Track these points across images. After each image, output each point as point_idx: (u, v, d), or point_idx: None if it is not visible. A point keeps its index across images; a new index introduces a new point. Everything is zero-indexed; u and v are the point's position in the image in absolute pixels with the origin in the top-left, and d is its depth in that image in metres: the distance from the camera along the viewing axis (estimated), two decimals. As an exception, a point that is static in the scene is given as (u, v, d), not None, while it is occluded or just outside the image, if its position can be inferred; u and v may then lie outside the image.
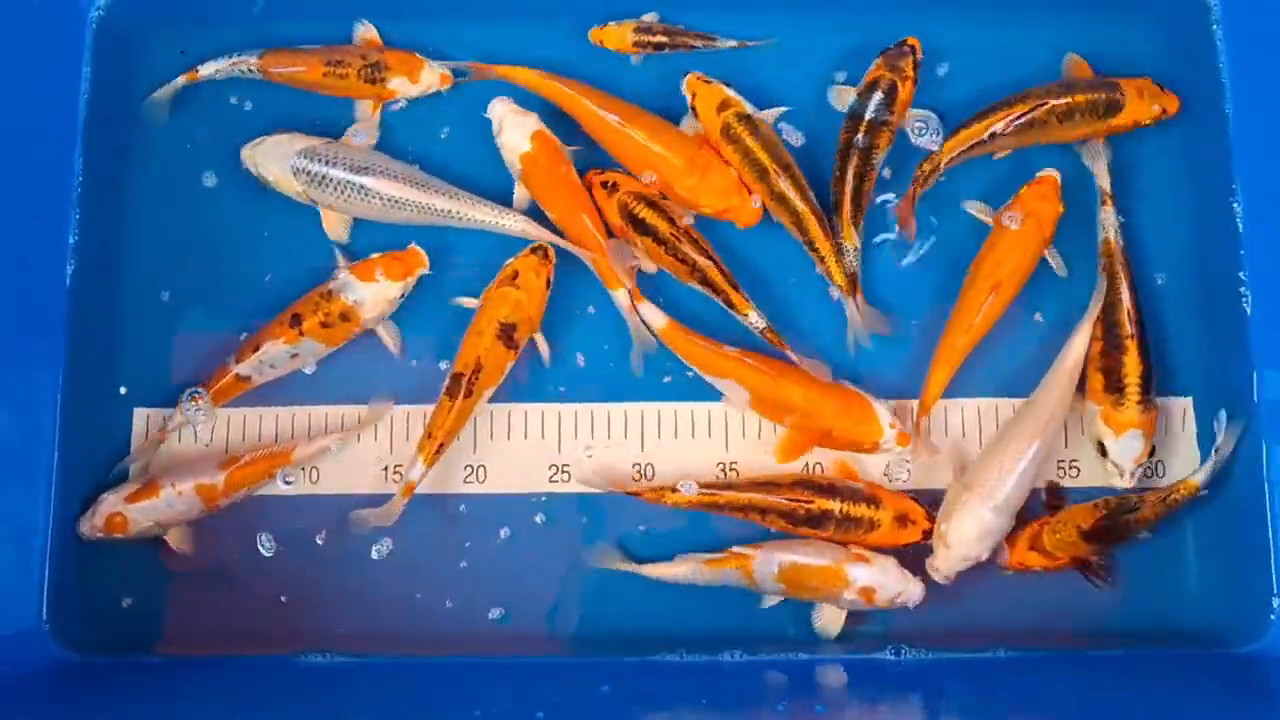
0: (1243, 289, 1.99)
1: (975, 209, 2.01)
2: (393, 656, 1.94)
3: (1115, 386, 1.91)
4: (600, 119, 1.99)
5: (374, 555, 1.96)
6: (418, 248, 1.99)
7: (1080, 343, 1.94)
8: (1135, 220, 2.02)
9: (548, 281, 1.96)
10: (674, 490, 1.91)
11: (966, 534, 1.86)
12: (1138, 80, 2.00)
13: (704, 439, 1.99)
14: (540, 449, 1.99)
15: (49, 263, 2.03)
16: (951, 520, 1.87)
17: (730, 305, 1.95)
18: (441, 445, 1.91)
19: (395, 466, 1.99)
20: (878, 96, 1.98)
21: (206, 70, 2.06)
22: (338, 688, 1.90)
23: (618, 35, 2.05)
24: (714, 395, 1.98)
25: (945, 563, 1.88)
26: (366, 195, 1.98)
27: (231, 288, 2.04)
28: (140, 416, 2.01)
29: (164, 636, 1.96)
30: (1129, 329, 1.92)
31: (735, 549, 1.89)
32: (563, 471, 1.99)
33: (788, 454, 1.95)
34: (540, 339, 1.98)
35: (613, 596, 1.95)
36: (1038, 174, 2.01)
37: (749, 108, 2.00)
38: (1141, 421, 1.90)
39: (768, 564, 1.87)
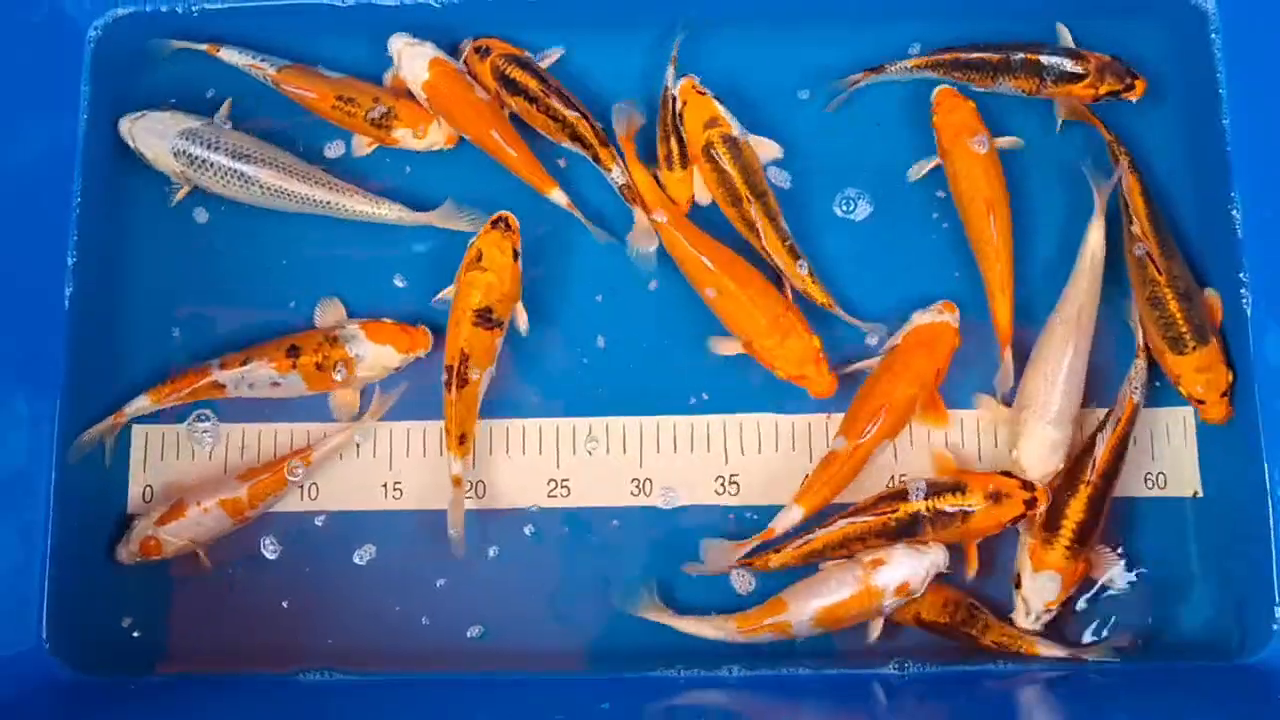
0: (1243, 291, 1.97)
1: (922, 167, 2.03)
2: (397, 674, 1.93)
3: (1052, 524, 1.87)
4: (695, 260, 1.97)
5: (356, 560, 1.96)
6: (427, 330, 1.98)
7: (1095, 236, 1.94)
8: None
9: (515, 253, 1.96)
10: (776, 552, 1.89)
11: (1036, 454, 1.89)
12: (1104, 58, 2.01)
13: (702, 452, 1.99)
14: (539, 463, 1.99)
15: (47, 284, 2.03)
16: (1019, 446, 1.90)
17: (597, 160, 1.98)
18: (463, 436, 1.93)
19: (395, 484, 1.99)
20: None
21: (227, 54, 2.08)
22: (338, 706, 1.90)
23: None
24: (711, 409, 1.98)
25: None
26: (247, 183, 1.99)
27: (231, 307, 2.04)
28: (139, 435, 2.01)
29: (163, 656, 1.96)
30: (1090, 475, 1.88)
31: (768, 619, 1.86)
32: (562, 486, 1.98)
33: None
34: (519, 310, 1.98)
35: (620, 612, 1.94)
36: (934, 93, 2.02)
37: (736, 129, 2.00)
38: (1063, 567, 1.85)
39: (801, 617, 1.85)
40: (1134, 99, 2.01)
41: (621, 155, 2.00)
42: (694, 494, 1.98)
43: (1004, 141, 2.03)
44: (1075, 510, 1.86)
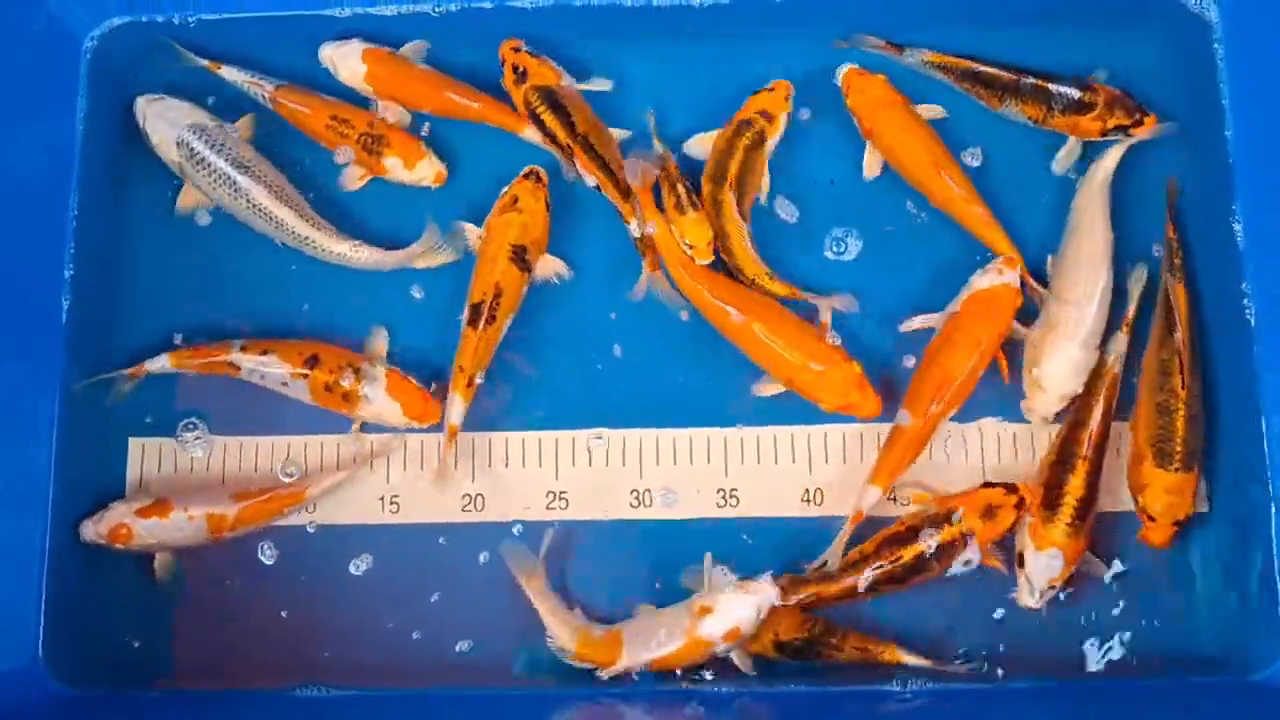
0: (1245, 302, 1.96)
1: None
2: (393, 690, 1.92)
3: (1052, 501, 1.86)
4: (721, 310, 1.95)
5: (352, 570, 1.95)
6: (440, 409, 1.95)
7: (1111, 160, 1.97)
8: (1134, 237, 2.01)
9: (547, 204, 1.98)
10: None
11: (1060, 375, 1.89)
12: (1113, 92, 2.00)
13: (702, 464, 1.97)
14: (538, 475, 1.98)
15: (45, 295, 2.02)
16: (1042, 364, 1.89)
17: (619, 212, 1.97)
18: (472, 378, 1.92)
19: (393, 497, 1.98)
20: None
21: (227, 72, 2.07)
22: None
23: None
24: (711, 420, 1.97)
25: (1042, 404, 1.91)
26: (236, 193, 1.98)
27: (228, 318, 2.03)
28: (136, 447, 2.00)
29: (160, 671, 1.95)
30: (1084, 449, 1.87)
31: (600, 659, 1.84)
32: (560, 498, 1.97)
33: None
34: (551, 259, 1.98)
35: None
36: (841, 76, 2.04)
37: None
38: (1066, 544, 1.84)
39: (634, 662, 1.83)
40: (1143, 135, 1.99)
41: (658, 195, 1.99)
42: (693, 508, 1.96)
43: (925, 109, 2.03)
44: (1074, 487, 1.85)
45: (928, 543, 1.85)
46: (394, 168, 2.03)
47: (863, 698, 1.89)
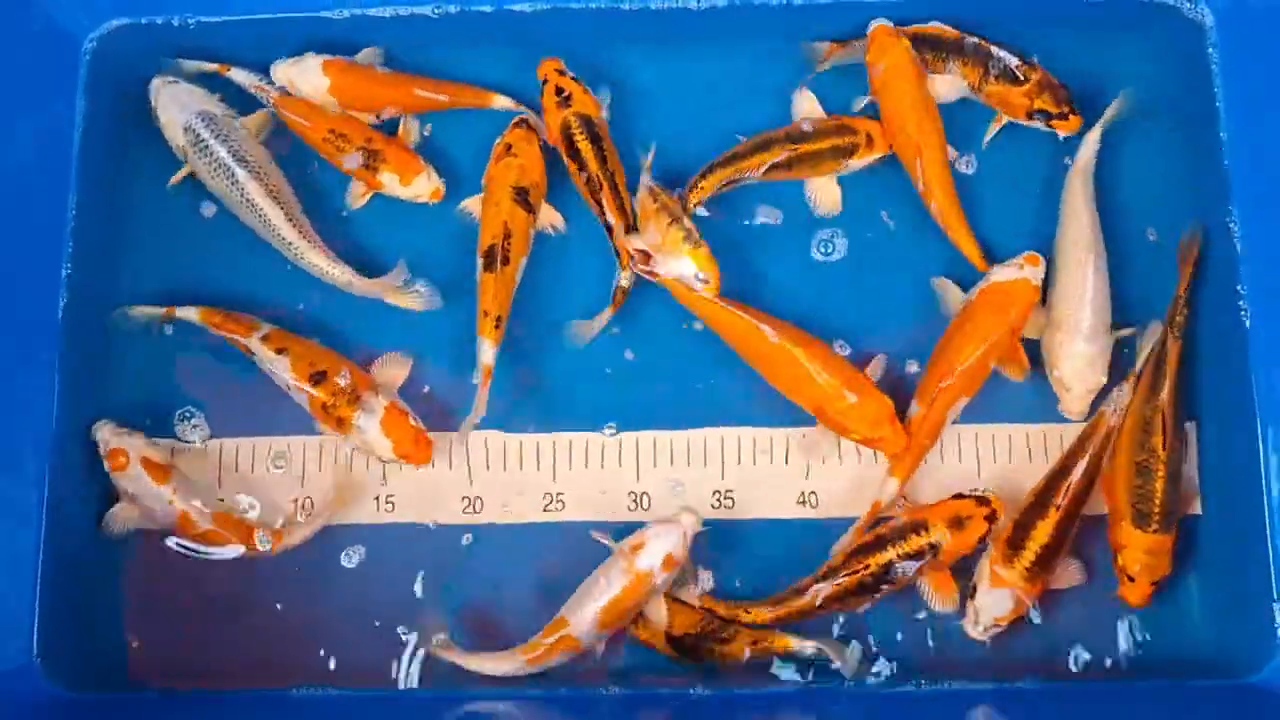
0: (1241, 304, 1.96)
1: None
2: (388, 691, 1.92)
3: (1016, 542, 1.85)
4: (750, 338, 1.94)
5: (344, 563, 1.95)
6: (432, 453, 1.95)
7: (1089, 150, 1.97)
8: (1131, 242, 2.01)
9: (540, 148, 2.00)
10: (747, 612, 1.89)
11: (1075, 370, 1.90)
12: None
13: (699, 467, 1.97)
14: (537, 478, 1.98)
15: (42, 295, 2.02)
16: (1060, 366, 1.90)
17: (618, 255, 1.97)
18: (498, 320, 1.93)
19: (388, 496, 1.98)
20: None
21: (236, 74, 2.08)
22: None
23: None
24: (707, 420, 1.98)
25: (1073, 404, 1.91)
26: (233, 185, 1.98)
27: (237, 306, 2.01)
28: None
29: (157, 672, 1.95)
30: (1060, 498, 1.86)
31: (551, 639, 1.85)
32: (557, 500, 1.98)
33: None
34: (550, 209, 2.00)
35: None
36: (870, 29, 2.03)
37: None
38: (1020, 588, 1.84)
39: (584, 627, 1.84)
40: (1063, 132, 1.99)
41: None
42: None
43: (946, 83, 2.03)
44: (1041, 533, 1.84)
45: (891, 551, 1.85)
46: (390, 183, 2.02)
47: (856, 697, 1.89)
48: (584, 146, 1.98)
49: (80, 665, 1.95)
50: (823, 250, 2.04)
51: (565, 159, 2.00)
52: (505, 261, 1.94)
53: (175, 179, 2.04)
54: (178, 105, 2.02)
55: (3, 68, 2.00)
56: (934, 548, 1.85)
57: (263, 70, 2.09)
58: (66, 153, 2.08)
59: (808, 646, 1.87)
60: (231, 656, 1.94)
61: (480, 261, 1.95)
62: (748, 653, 1.87)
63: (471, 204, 2.02)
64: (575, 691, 1.91)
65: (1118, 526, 1.87)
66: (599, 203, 1.97)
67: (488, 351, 1.92)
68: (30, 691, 1.91)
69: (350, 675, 1.93)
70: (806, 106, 2.04)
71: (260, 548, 1.93)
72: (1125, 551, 1.86)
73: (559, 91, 2.01)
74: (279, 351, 1.95)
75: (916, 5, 2.06)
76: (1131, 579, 1.86)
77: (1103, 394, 1.93)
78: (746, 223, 2.04)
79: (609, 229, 1.98)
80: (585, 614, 1.84)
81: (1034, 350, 1.96)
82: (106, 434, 1.95)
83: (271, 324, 1.98)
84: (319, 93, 2.04)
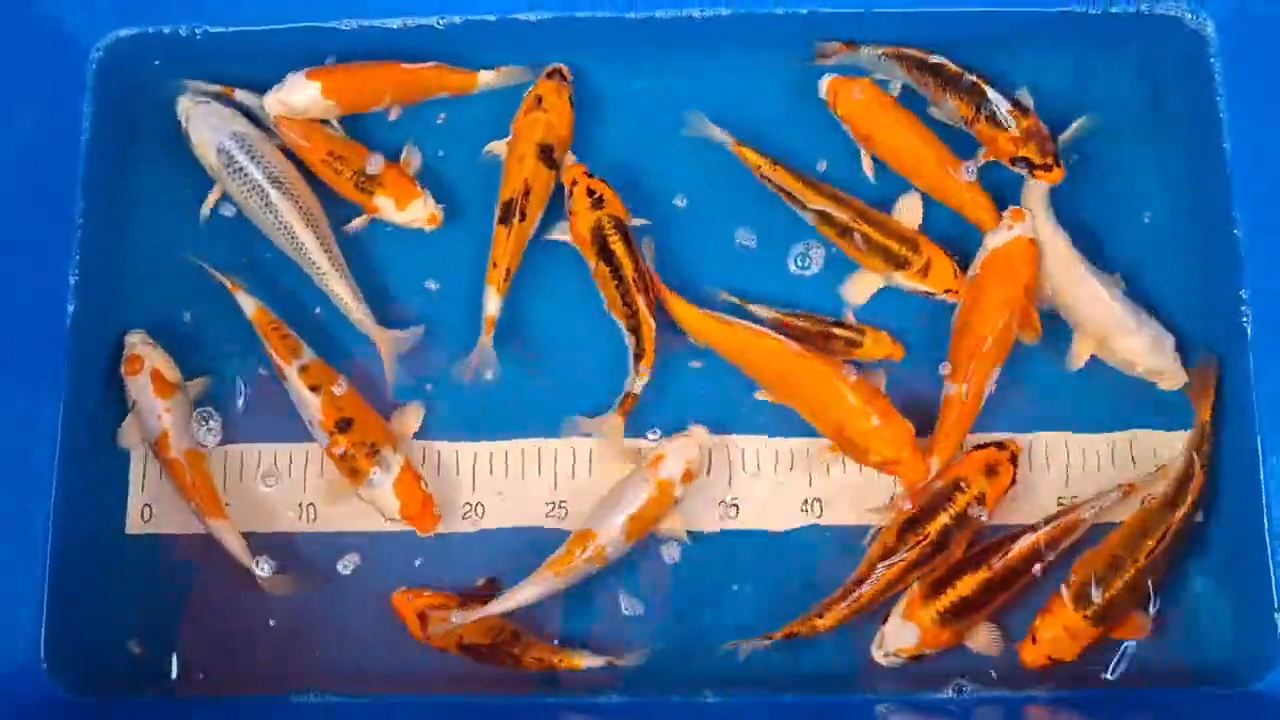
0: (1243, 309, 1.97)
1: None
2: (391, 695, 1.93)
3: (940, 585, 1.85)
4: (762, 357, 1.95)
5: (340, 569, 1.96)
6: (438, 525, 1.95)
7: (1041, 190, 1.96)
8: (1135, 251, 2.01)
9: (570, 100, 2.02)
10: (820, 617, 1.88)
11: (1148, 352, 1.90)
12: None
13: (701, 475, 1.95)
14: (538, 485, 1.98)
15: (50, 302, 2.03)
16: (1137, 363, 1.91)
17: (635, 359, 1.92)
18: (507, 273, 1.94)
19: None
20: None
21: (241, 94, 2.08)
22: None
23: None
24: (714, 429, 1.97)
25: (1172, 376, 1.93)
26: (267, 206, 1.98)
27: (234, 327, 2.02)
28: (138, 456, 2.01)
29: (162, 676, 1.95)
30: (997, 562, 1.85)
31: (580, 551, 1.86)
32: (559, 507, 1.98)
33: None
34: (571, 159, 2.02)
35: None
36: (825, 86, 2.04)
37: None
38: (927, 629, 1.83)
39: (612, 535, 1.86)
40: (1046, 181, 1.95)
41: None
42: (690, 521, 1.96)
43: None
44: (965, 585, 1.84)
45: (943, 517, 1.85)
46: (385, 207, 2.02)
47: (861, 708, 1.89)
48: (619, 249, 1.94)
49: (84, 668, 1.95)
50: (799, 264, 2.04)
51: (593, 260, 1.96)
52: (522, 217, 1.95)
53: (208, 204, 2.05)
54: (210, 127, 2.01)
55: (10, 76, 2.02)
56: (980, 499, 1.86)
57: (264, 82, 2.07)
58: (74, 158, 2.08)
59: (592, 661, 1.89)
60: (232, 662, 1.95)
61: (497, 212, 1.97)
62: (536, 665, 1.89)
63: (497, 147, 2.04)
64: (578, 699, 1.91)
65: (1058, 593, 1.85)
66: (628, 305, 1.93)
67: (493, 301, 1.94)
68: (36, 694, 1.92)
69: (349, 681, 1.93)
70: (908, 206, 2.01)
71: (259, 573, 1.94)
72: (1048, 617, 1.85)
73: (590, 193, 1.97)
74: (312, 389, 1.93)
75: (918, 20, 2.07)
76: (1035, 641, 1.85)
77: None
78: (725, 239, 2.04)
79: (634, 331, 1.93)
80: (614, 524, 1.86)
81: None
82: (135, 339, 1.99)
83: (313, 353, 1.97)
84: (315, 102, 2.03)
